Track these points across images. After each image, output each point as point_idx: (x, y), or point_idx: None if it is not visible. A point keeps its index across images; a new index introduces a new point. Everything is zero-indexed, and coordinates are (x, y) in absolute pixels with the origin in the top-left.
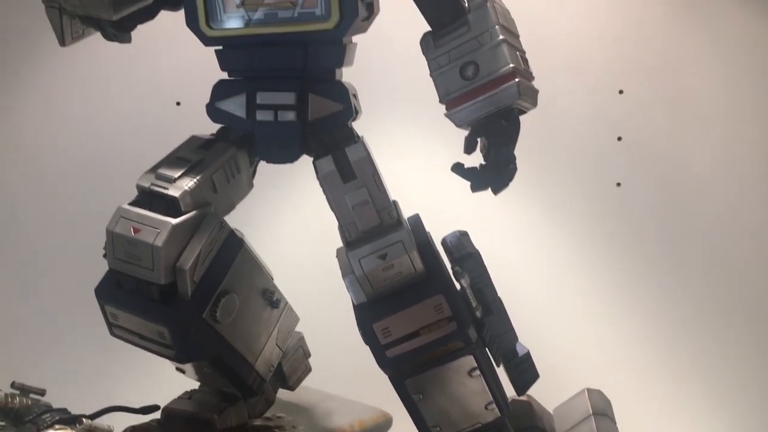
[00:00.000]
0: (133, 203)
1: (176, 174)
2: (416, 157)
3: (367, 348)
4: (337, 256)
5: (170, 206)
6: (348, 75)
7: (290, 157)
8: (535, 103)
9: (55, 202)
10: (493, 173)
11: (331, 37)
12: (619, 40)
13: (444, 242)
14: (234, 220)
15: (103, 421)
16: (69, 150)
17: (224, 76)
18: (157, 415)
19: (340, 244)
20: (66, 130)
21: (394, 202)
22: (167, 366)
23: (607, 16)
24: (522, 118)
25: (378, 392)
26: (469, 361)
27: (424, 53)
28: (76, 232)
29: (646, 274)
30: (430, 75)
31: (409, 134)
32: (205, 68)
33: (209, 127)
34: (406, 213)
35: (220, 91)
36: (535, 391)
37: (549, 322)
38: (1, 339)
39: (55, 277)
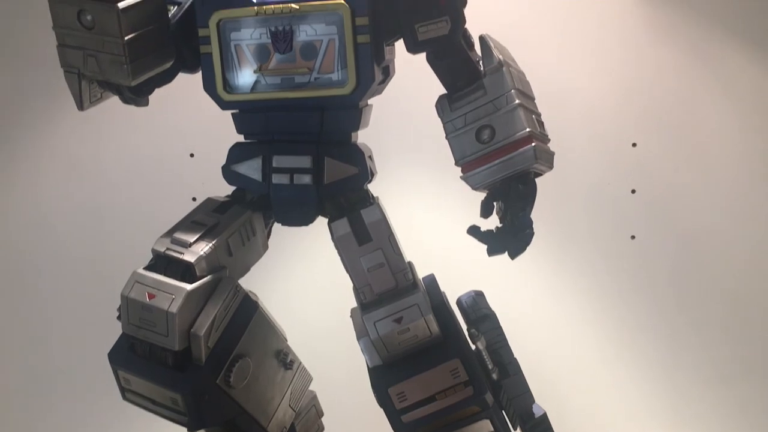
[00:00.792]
0: (148, 267)
1: (192, 239)
2: (431, 213)
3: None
4: (351, 317)
5: (185, 271)
6: (364, 132)
7: (306, 220)
8: (551, 166)
9: (66, 255)
10: (510, 237)
11: (348, 102)
12: (631, 93)
13: (459, 303)
14: (246, 275)
15: None
16: (81, 200)
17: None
18: None
19: (352, 298)
20: (77, 179)
21: (410, 264)
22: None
23: (621, 69)
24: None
25: None
26: (486, 425)
27: (439, 115)
28: (87, 285)
29: (663, 328)
30: (446, 137)
31: (423, 193)
32: (218, 121)
33: (221, 179)
34: (421, 272)
35: (235, 153)
36: None
37: (566, 381)
38: (10, 404)
39: (68, 335)
